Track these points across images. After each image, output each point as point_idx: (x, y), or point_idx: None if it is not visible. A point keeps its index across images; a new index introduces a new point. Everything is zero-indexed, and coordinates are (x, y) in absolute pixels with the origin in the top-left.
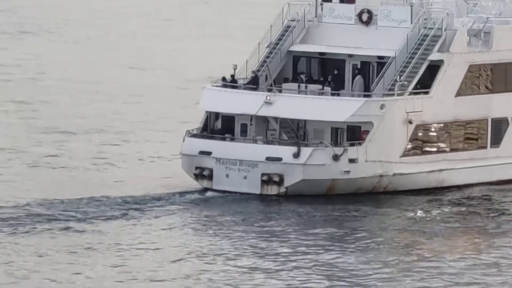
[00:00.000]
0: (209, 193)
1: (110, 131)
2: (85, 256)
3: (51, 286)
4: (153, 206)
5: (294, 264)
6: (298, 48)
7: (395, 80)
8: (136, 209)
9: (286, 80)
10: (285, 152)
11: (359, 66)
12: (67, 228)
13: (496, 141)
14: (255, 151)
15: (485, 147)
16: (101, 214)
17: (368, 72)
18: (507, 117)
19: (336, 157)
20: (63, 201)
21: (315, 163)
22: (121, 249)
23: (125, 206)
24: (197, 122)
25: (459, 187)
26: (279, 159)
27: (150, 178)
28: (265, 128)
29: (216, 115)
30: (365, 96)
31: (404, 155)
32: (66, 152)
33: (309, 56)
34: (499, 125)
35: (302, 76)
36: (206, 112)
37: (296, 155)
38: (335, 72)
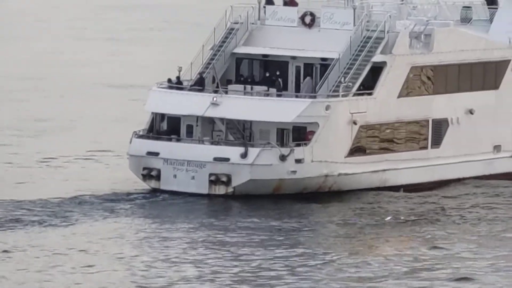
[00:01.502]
0: (156, 194)
1: (55, 131)
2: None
3: None
4: (99, 207)
5: (243, 263)
6: (242, 50)
7: (340, 82)
8: (80, 211)
9: (229, 82)
10: (233, 152)
11: (302, 68)
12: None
13: (437, 141)
14: (203, 151)
15: (426, 148)
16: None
17: (312, 73)
18: (447, 118)
19: (283, 157)
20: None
21: (263, 163)
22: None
23: (66, 207)
24: (141, 124)
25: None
26: (227, 159)
27: (96, 179)
28: (211, 129)
29: (162, 116)
30: (310, 97)
31: (348, 155)
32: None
33: (251, 58)
34: (439, 126)
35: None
36: (152, 113)
37: (244, 155)
38: (277, 73)
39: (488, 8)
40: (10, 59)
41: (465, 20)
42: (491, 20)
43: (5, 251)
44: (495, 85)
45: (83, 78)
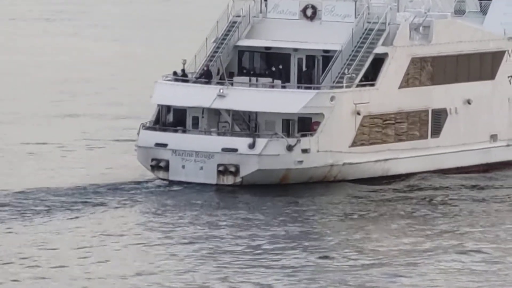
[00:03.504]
0: (165, 184)
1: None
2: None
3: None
4: (108, 197)
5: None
6: (244, 43)
7: (343, 73)
8: (88, 201)
9: (232, 74)
10: (241, 143)
11: (304, 60)
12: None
13: (436, 131)
14: (211, 142)
15: (426, 137)
16: (56, 204)
17: (314, 65)
18: (446, 108)
19: (290, 148)
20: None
21: (270, 154)
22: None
23: (81, 197)
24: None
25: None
26: (235, 150)
27: (103, 170)
28: (217, 120)
29: (168, 108)
30: (315, 88)
31: (352, 145)
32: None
33: (252, 51)
34: (438, 116)
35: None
36: (158, 105)
37: (252, 146)
38: (280, 66)
39: (479, 0)
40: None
41: (459, 12)
42: (482, 12)
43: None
44: (492, 76)
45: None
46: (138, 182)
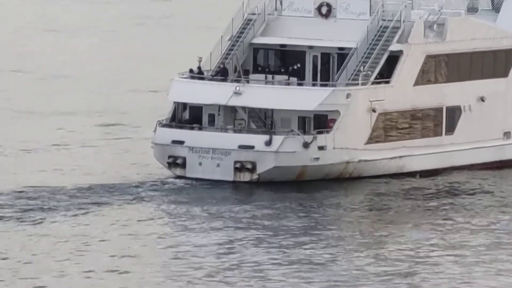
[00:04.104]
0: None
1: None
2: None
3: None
4: (126, 193)
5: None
6: (259, 40)
7: (359, 70)
8: (108, 197)
9: (247, 72)
10: (257, 140)
11: (319, 57)
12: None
13: (450, 128)
14: (228, 139)
15: (440, 135)
16: (71, 202)
17: (329, 63)
18: (460, 106)
19: (306, 145)
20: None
21: (287, 151)
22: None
23: (97, 194)
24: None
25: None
26: (252, 147)
27: (121, 167)
28: (233, 118)
29: (184, 105)
30: (331, 85)
31: (368, 142)
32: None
33: (267, 48)
34: (453, 113)
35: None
36: (174, 103)
37: (268, 143)
38: (298, 64)
39: None
40: None
41: (472, 10)
42: (495, 10)
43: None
44: (505, 73)
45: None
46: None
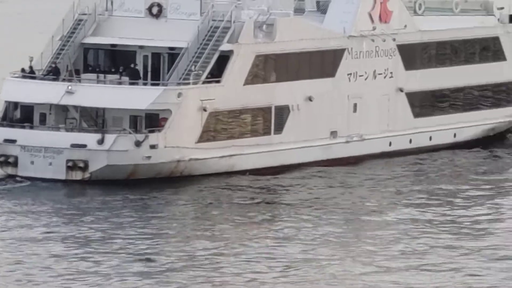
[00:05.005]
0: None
1: None
2: None
3: None
4: None
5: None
6: (90, 40)
7: (190, 70)
8: None
9: (77, 72)
10: (90, 139)
11: (150, 57)
12: None
13: (279, 128)
14: (60, 138)
15: (269, 134)
16: None
17: (159, 63)
18: (288, 105)
19: (138, 143)
20: None
21: (119, 149)
22: None
23: None
24: None
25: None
26: (84, 146)
27: None
28: (64, 117)
29: (15, 104)
30: (162, 85)
31: (199, 141)
32: None
33: (97, 48)
34: (281, 113)
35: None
36: (6, 102)
37: (100, 141)
38: (132, 65)
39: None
40: None
41: (299, 11)
42: (320, 11)
43: None
44: (332, 73)
45: None
46: None
